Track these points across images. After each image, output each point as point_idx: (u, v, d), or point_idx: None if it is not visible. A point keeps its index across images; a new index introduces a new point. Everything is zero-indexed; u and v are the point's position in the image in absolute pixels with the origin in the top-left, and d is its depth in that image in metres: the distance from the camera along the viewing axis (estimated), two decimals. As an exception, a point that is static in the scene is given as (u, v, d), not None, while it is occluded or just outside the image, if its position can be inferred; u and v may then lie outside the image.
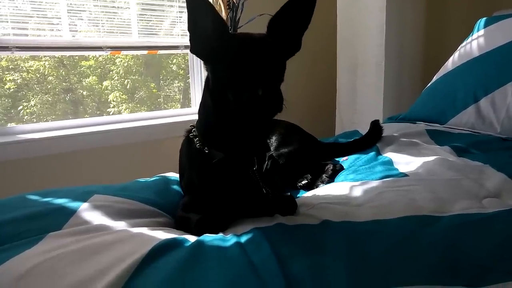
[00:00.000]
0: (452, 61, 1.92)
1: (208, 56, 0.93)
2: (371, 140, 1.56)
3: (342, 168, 1.36)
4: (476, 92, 1.67)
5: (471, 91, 1.69)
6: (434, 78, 1.98)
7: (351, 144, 1.57)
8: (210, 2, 0.89)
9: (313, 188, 1.24)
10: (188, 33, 0.92)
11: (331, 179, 1.29)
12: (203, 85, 0.99)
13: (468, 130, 1.65)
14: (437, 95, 1.88)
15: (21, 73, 2.76)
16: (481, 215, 0.87)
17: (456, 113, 1.72)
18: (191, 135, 1.01)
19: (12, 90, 2.68)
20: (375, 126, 1.60)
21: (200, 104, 1.01)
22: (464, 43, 1.94)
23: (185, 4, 0.88)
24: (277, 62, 0.89)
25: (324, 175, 1.31)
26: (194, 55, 1.00)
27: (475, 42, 1.86)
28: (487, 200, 0.97)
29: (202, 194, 0.98)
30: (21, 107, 2.74)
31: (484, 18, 1.96)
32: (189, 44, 0.93)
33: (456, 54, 1.93)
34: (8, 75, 2.63)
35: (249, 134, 0.96)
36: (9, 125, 2.40)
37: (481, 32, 1.88)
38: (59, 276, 0.67)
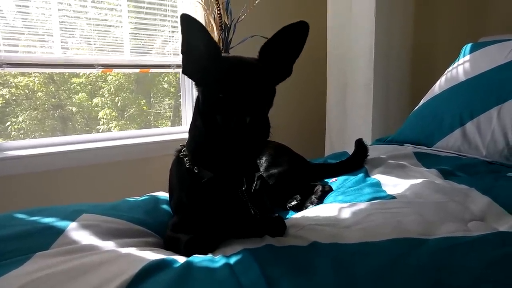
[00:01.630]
0: (439, 85, 1.97)
1: (200, 78, 0.94)
2: (358, 160, 1.58)
3: (331, 189, 1.37)
4: (462, 116, 1.71)
5: (457, 115, 1.73)
6: (422, 101, 2.02)
7: (339, 164, 1.59)
8: (203, 25, 0.91)
9: (302, 209, 1.25)
10: (180, 53, 0.94)
11: (320, 200, 1.30)
12: (194, 103, 1.00)
13: (454, 153, 1.68)
14: (424, 118, 1.92)
15: (10, 89, 2.74)
16: (466, 238, 0.88)
17: (442, 136, 1.75)
18: (181, 155, 1.02)
19: (0, 105, 2.66)
20: (360, 145, 1.62)
21: (191, 124, 1.03)
22: (450, 68, 1.99)
23: (177, 24, 0.90)
24: (267, 88, 0.90)
25: (313, 196, 1.31)
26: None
27: (461, 67, 1.91)
28: (473, 223, 0.98)
29: (192, 214, 0.97)
30: (9, 123, 2.72)
31: (470, 44, 2.02)
32: (181, 63, 0.95)
33: (443, 78, 1.98)
34: (-4, 90, 2.61)
35: (239, 155, 0.97)
36: (-4, 141, 2.37)
37: (467, 57, 1.93)
38: (46, 297, 0.66)
